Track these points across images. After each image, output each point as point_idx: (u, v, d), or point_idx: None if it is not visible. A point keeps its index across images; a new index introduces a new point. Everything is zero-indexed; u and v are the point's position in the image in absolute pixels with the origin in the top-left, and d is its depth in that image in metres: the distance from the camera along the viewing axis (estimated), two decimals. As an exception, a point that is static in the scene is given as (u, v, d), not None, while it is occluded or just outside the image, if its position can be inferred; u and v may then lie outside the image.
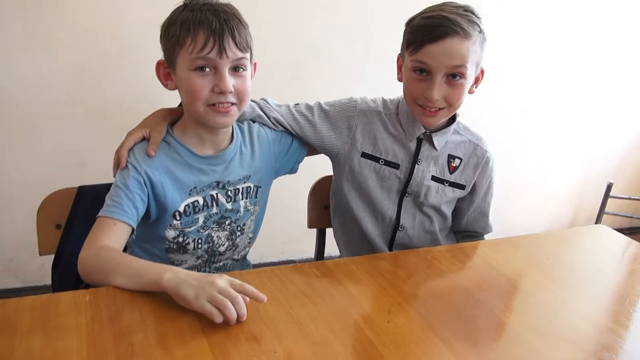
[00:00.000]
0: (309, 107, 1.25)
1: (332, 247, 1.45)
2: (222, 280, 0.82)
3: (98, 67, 1.84)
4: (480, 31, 1.11)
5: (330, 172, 1.38)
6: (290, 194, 1.54)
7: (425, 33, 1.07)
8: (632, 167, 3.07)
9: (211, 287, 0.80)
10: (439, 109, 1.12)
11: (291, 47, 2.07)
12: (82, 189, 1.18)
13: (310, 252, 2.50)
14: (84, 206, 1.16)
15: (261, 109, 1.21)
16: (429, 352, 0.82)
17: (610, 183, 2.67)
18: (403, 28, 1.17)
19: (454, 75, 1.09)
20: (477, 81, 1.17)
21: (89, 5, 1.75)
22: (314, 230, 1.47)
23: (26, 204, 1.17)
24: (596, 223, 2.80)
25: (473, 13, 1.11)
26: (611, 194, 2.69)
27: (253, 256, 2.35)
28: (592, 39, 2.61)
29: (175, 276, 0.83)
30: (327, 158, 1.30)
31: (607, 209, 2.75)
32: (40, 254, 1.18)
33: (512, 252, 1.21)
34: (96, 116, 1.89)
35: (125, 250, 1.17)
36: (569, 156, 2.88)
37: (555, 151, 2.83)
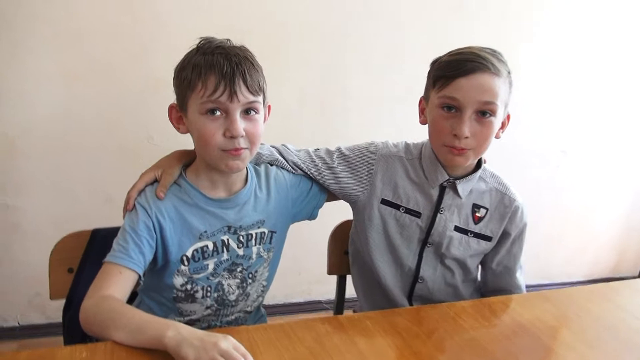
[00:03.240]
0: (329, 152, 1.21)
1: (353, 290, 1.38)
2: (226, 342, 0.78)
3: (123, 102, 1.84)
4: (509, 72, 1.08)
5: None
6: (316, 234, 1.51)
7: (456, 67, 1.05)
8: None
9: (213, 349, 0.76)
10: (467, 149, 1.07)
11: (320, 86, 2.06)
12: (96, 232, 1.17)
13: (336, 293, 2.46)
14: (97, 250, 1.13)
15: (280, 153, 1.18)
16: None
17: (656, 226, 2.53)
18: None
19: (484, 113, 1.05)
20: (503, 125, 1.12)
21: (110, 39, 1.76)
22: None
23: (52, 239, 1.18)
24: (641, 269, 2.65)
25: (500, 54, 1.09)
26: (658, 237, 2.55)
27: (279, 297, 2.34)
28: (624, 68, 2.50)
29: (178, 334, 0.79)
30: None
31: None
32: (51, 298, 1.16)
33: (545, 308, 1.11)
34: (123, 152, 1.89)
35: (134, 297, 1.14)
36: (610, 197, 2.74)
37: (597, 192, 2.70)
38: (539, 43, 2.28)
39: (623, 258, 2.92)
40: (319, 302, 2.41)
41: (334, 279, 1.43)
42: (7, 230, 1.88)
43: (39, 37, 1.70)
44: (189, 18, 1.80)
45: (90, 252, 1.15)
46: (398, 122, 2.05)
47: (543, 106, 2.38)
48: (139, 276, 0.97)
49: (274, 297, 2.32)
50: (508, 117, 1.12)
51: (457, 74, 1.04)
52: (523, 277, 1.25)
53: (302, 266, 2.25)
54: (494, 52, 1.07)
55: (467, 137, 1.05)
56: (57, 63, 1.74)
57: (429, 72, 1.13)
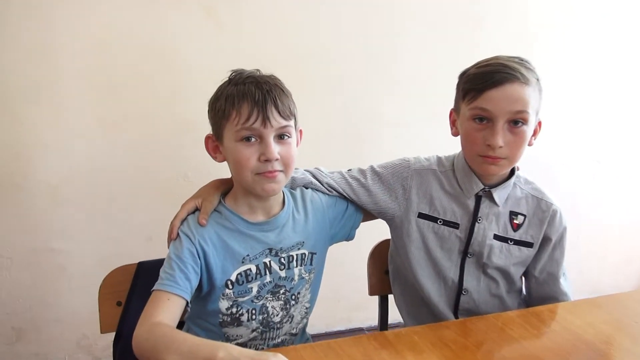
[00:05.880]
0: (362, 171, 1.23)
1: (397, 314, 1.37)
2: (277, 358, 0.78)
3: (157, 145, 1.92)
4: (537, 79, 1.09)
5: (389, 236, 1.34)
6: (353, 260, 1.52)
7: (485, 79, 1.06)
8: None
9: None
10: (501, 158, 1.07)
11: (346, 112, 2.09)
12: (141, 265, 1.20)
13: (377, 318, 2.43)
14: (143, 282, 1.16)
15: (314, 176, 1.20)
16: None
17: None
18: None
19: (516, 122, 1.06)
20: (535, 133, 1.12)
21: (142, 88, 1.86)
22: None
23: (97, 278, 1.22)
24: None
25: (528, 62, 1.10)
26: None
27: (319, 326, 2.32)
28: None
29: (229, 354, 0.80)
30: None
31: None
32: (101, 332, 1.19)
33: (595, 315, 1.09)
34: (161, 192, 1.95)
35: (182, 326, 1.16)
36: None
37: (635, 201, 2.63)
38: (571, 50, 2.30)
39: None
40: (360, 329, 2.38)
41: (373, 305, 1.43)
42: (53, 273, 1.93)
43: (78, 91, 1.80)
44: (215, 61, 1.86)
45: (136, 284, 1.18)
46: (427, 142, 2.07)
47: (575, 115, 2.36)
48: (187, 302, 0.99)
49: (314, 325, 2.29)
50: (539, 123, 1.12)
51: (486, 85, 1.05)
52: (568, 283, 1.22)
53: (341, 294, 2.24)
54: (521, 61, 1.08)
55: (501, 147, 1.06)
56: (94, 114, 1.83)
57: (458, 85, 1.14)
